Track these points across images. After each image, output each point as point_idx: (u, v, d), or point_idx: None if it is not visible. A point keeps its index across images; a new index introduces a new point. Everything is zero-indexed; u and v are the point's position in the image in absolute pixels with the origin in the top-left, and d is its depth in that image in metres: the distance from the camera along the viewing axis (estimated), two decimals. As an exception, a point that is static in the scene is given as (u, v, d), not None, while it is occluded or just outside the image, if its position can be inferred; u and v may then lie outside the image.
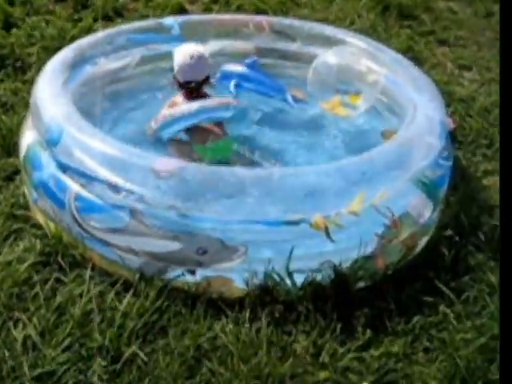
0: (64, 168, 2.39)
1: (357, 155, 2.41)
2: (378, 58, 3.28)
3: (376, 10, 4.93)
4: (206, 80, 2.96)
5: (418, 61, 4.30)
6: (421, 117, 2.82)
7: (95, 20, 4.56)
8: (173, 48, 3.43)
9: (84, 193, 2.32)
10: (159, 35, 3.51)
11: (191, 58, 2.89)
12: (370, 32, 4.56)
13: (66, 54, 3.06)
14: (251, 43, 3.64)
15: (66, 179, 2.38)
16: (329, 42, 3.50)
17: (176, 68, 2.94)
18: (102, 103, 3.25)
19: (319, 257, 2.26)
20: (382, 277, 2.41)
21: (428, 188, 2.50)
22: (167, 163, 2.30)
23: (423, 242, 2.57)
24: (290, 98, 3.35)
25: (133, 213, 2.22)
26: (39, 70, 3.06)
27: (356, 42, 3.41)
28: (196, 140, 2.88)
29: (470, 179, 3.02)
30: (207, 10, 4.84)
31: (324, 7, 4.97)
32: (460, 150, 3.29)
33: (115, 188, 2.24)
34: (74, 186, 2.35)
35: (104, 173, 2.27)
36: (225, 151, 2.86)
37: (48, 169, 2.46)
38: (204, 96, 2.95)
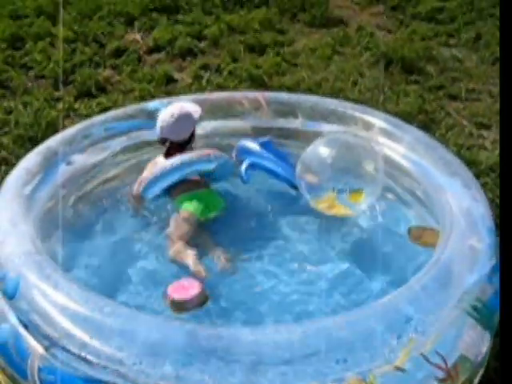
0: (25, 325, 1.83)
1: (393, 286, 1.85)
2: (395, 136, 2.76)
3: (378, 65, 4.45)
4: (189, 141, 2.77)
5: (432, 123, 3.83)
6: (457, 211, 2.28)
7: (76, 98, 4.08)
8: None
9: (48, 360, 1.74)
10: (143, 121, 2.99)
11: (171, 116, 2.73)
12: (375, 93, 4.08)
13: (32, 160, 2.51)
14: (248, 122, 3.12)
15: (28, 340, 1.81)
16: (337, 119, 3.00)
17: (158, 124, 2.78)
18: (79, 210, 2.73)
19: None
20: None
21: (482, 314, 1.93)
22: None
23: (478, 378, 2.00)
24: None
25: (111, 390, 1.65)
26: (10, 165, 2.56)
27: (367, 118, 2.88)
28: (175, 194, 2.67)
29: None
30: (197, 77, 4.35)
31: (322, 67, 4.48)
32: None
33: (86, 356, 1.68)
34: (36, 351, 1.78)
35: (71, 335, 1.70)
36: (212, 206, 2.61)
37: (7, 323, 1.89)
38: None
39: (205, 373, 1.60)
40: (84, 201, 2.76)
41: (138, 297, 2.16)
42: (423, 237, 2.47)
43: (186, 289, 2.05)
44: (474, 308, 1.92)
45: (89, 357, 1.66)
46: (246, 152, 2.84)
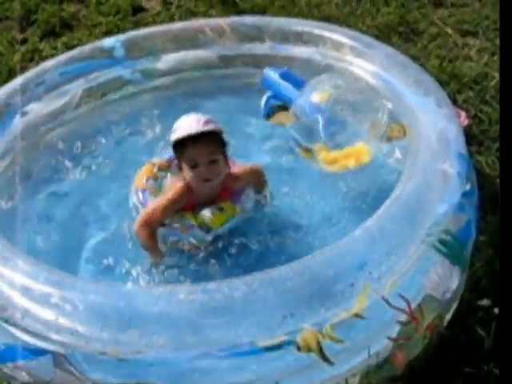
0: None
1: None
2: (368, 56, 2.49)
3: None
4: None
5: (413, 34, 3.51)
6: (430, 132, 2.08)
7: (41, 39, 3.79)
8: (119, 73, 2.77)
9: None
10: (99, 61, 2.75)
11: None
12: (353, 2, 3.73)
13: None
14: (213, 51, 2.87)
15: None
16: (305, 40, 2.72)
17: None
18: (38, 161, 2.55)
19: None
20: (403, 375, 1.72)
21: (451, 248, 1.75)
22: None
23: (451, 312, 1.86)
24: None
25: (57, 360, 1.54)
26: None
27: (337, 37, 2.61)
28: None
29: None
30: (166, 3, 3.99)
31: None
32: (480, 155, 2.53)
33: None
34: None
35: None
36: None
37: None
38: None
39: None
40: (45, 150, 2.60)
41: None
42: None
43: None
44: (443, 242, 1.75)
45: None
46: (268, 83, 2.66)
